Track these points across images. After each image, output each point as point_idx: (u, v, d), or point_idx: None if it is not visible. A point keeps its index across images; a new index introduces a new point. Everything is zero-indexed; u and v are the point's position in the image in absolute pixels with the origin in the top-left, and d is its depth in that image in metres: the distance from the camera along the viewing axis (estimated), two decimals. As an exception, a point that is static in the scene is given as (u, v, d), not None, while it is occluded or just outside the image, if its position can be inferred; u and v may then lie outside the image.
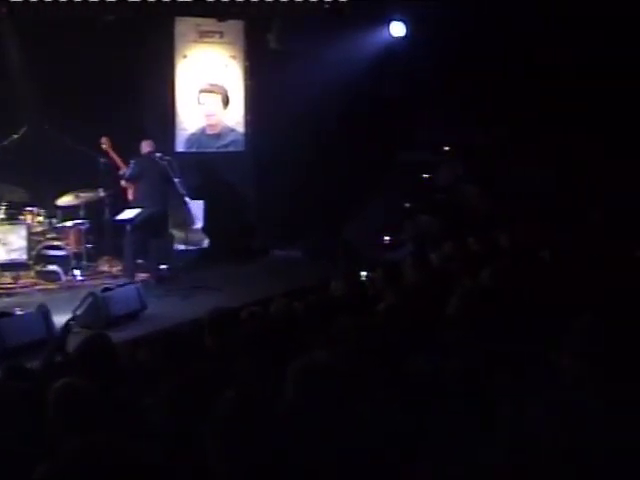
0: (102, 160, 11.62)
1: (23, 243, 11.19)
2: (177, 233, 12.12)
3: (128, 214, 11.45)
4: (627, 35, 12.79)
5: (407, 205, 14.73)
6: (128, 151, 11.86)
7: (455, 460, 2.37)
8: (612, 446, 2.89)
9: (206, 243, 12.21)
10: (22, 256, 11.17)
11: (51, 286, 11.05)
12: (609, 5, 12.68)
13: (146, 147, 11.69)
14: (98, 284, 10.93)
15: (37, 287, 11.01)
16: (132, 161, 11.62)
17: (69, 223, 11.51)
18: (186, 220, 11.75)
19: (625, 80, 13.00)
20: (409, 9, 14.11)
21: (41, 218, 11.42)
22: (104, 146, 11.73)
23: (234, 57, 14.14)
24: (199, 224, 12.43)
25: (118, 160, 11.76)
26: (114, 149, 11.78)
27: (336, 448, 3.24)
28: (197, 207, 12.22)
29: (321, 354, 3.84)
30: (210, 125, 14.08)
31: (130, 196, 11.88)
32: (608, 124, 13.20)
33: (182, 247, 12.13)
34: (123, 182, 11.90)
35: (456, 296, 4.93)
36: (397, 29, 14.50)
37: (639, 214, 10.18)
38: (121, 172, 11.76)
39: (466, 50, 13.78)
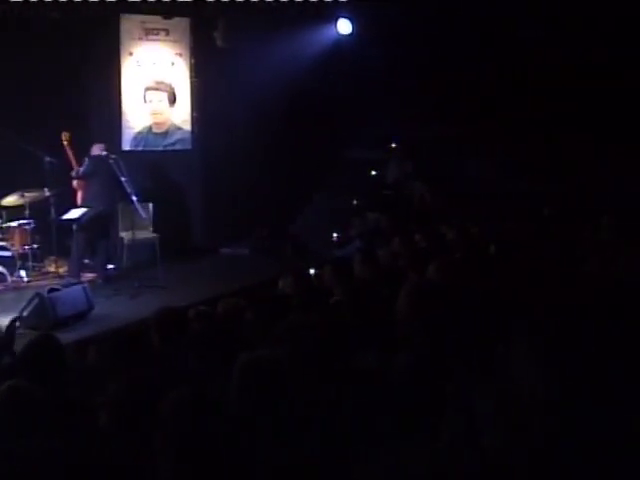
0: (47, 159, 11.46)
1: (-33, 244, 11.09)
2: (125, 232, 12.03)
3: (74, 214, 11.35)
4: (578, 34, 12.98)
5: (355, 202, 14.78)
6: (74, 149, 11.75)
7: (405, 460, 2.38)
8: (562, 440, 2.92)
9: (154, 242, 12.12)
10: (-34, 257, 11.07)
11: (-4, 287, 10.94)
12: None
13: (97, 150, 11.58)
14: (44, 285, 10.82)
15: (-18, 288, 10.88)
16: (87, 159, 11.53)
17: (14, 223, 11.32)
18: (134, 219, 11.66)
19: (576, 78, 13.17)
20: (355, 6, 14.13)
21: (-15, 218, 11.27)
22: (64, 141, 11.60)
23: (180, 55, 14.05)
24: (149, 224, 12.35)
25: (73, 158, 11.64)
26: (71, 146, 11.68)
27: (284, 447, 3.25)
28: (146, 207, 12.12)
29: (265, 351, 3.83)
30: (157, 123, 13.99)
31: (79, 198, 11.79)
32: (560, 121, 13.36)
33: (129, 246, 12.05)
34: (75, 182, 11.81)
35: (404, 292, 4.95)
36: (344, 26, 14.52)
37: (591, 211, 10.30)
38: (73, 172, 11.65)
39: (413, 47, 13.85)
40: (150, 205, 12.35)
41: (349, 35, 14.54)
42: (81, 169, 11.54)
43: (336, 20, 14.46)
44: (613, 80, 12.85)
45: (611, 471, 2.85)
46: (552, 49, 13.43)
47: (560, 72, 13.38)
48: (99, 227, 11.60)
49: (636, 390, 3.23)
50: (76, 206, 11.65)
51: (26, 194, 11.46)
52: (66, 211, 11.47)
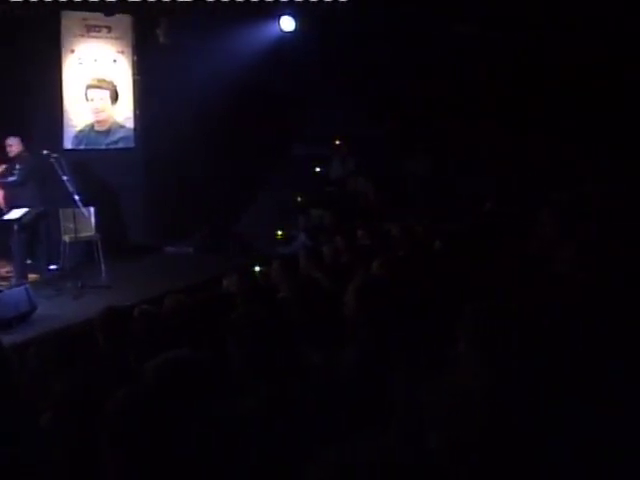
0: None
1: None
2: (67, 232, 11.90)
3: (15, 214, 11.19)
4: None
5: (299, 199, 14.80)
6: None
7: (353, 457, 2.38)
8: (503, 430, 2.95)
9: (97, 241, 12.01)
10: None
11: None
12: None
13: (16, 146, 11.42)
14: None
15: None
16: (18, 166, 11.34)
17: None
18: (76, 219, 11.53)
19: (513, 74, 13.34)
20: (298, 4, 14.12)
21: None
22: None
23: (122, 52, 13.92)
24: (92, 222, 12.23)
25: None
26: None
27: (232, 446, 3.24)
28: (88, 207, 11.99)
29: (183, 351, 3.79)
30: (99, 121, 13.85)
31: (1, 200, 11.61)
32: (498, 117, 13.52)
33: (72, 246, 11.92)
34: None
35: (352, 287, 4.96)
36: (287, 24, 14.51)
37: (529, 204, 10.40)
38: None
39: (357, 44, 13.91)
40: (92, 208, 12.19)
41: (292, 32, 14.53)
42: (15, 178, 11.36)
43: (279, 17, 14.45)
44: (548, 76, 13.05)
45: (561, 468, 2.89)
46: (489, 48, 13.60)
47: (496, 69, 13.56)
48: (40, 227, 11.48)
49: (585, 385, 3.28)
50: (17, 205, 11.51)
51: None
52: (6, 211, 11.33)
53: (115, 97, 13.92)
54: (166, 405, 3.14)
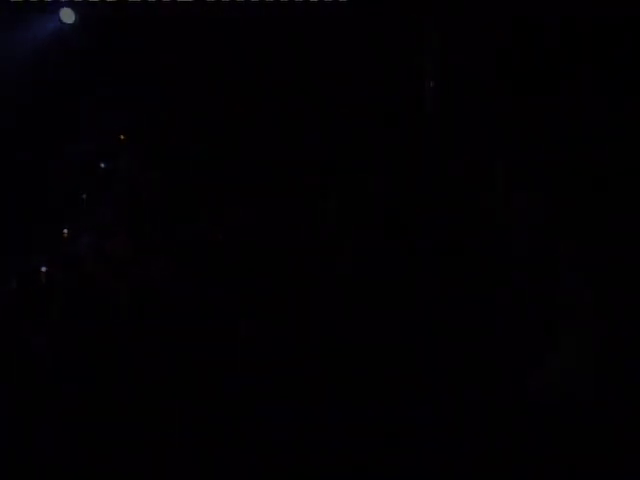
0: None
1: None
2: None
3: None
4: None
5: (84, 196, 14.51)
6: None
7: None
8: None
9: None
10: None
11: None
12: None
13: None
14: None
15: None
16: None
17: None
18: None
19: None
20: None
21: None
22: None
23: None
24: None
25: None
26: None
27: None
28: None
29: None
30: None
31: None
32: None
33: None
34: None
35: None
36: (67, 15, 14.15)
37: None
38: None
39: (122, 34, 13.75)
40: None
41: (72, 24, 14.15)
42: None
43: (60, 9, 14.06)
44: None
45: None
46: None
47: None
48: None
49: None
50: None
51: None
52: None
53: None
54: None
